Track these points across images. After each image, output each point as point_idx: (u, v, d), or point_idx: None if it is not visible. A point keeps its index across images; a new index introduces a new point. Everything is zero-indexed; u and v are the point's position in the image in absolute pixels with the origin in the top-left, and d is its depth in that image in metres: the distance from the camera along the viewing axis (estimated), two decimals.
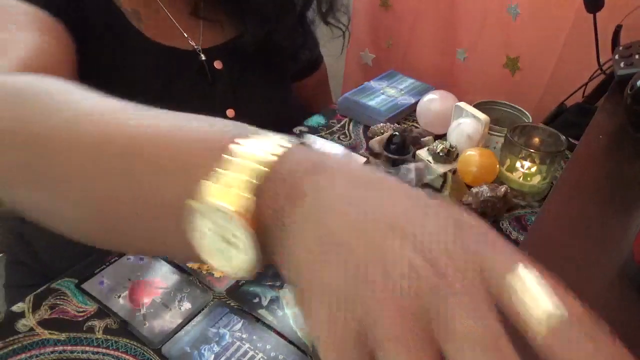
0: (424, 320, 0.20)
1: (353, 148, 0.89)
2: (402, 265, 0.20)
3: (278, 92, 0.87)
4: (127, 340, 0.54)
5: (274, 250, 0.24)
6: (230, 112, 0.78)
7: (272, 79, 0.84)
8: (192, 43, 0.74)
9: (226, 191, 0.24)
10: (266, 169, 0.24)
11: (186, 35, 0.74)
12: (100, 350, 0.53)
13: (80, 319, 0.56)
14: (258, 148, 0.25)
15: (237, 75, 0.79)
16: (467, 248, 0.21)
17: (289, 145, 0.25)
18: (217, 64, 0.77)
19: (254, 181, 0.24)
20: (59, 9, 0.57)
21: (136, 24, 0.68)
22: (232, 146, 0.25)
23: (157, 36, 0.70)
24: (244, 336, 0.55)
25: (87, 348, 0.53)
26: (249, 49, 0.76)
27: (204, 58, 0.75)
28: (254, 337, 0.55)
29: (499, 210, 0.73)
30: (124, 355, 0.52)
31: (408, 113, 1.00)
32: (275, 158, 0.24)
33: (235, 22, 0.77)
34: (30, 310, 0.56)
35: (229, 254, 0.25)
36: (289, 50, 0.83)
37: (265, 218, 0.24)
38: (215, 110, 0.77)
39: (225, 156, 0.24)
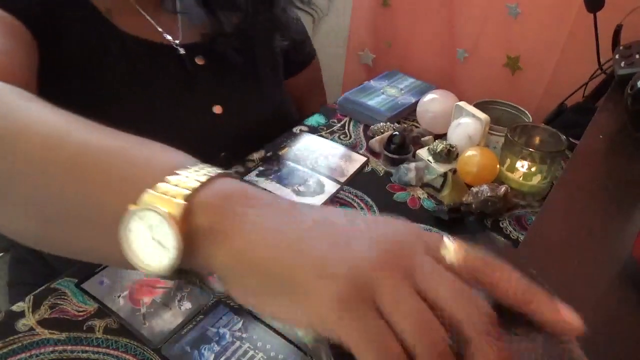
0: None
1: (353, 148, 0.89)
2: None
3: (267, 89, 0.85)
4: (127, 340, 0.54)
5: (197, 255, 0.29)
6: (217, 109, 0.78)
7: (258, 75, 0.83)
8: (169, 38, 0.74)
9: (163, 198, 0.29)
10: (198, 186, 0.29)
11: (161, 30, 0.73)
12: (100, 350, 0.53)
13: (80, 318, 0.56)
14: (195, 175, 0.30)
15: (221, 71, 0.78)
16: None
17: (222, 174, 0.32)
18: (199, 60, 0.76)
19: (188, 192, 0.29)
20: (31, 4, 0.59)
21: (111, 20, 0.69)
22: (175, 171, 0.30)
23: (133, 32, 0.71)
24: (244, 336, 0.55)
25: (87, 348, 0.53)
26: (227, 42, 0.76)
27: (182, 52, 0.74)
28: (254, 336, 0.55)
29: (499, 210, 0.73)
30: (124, 355, 0.52)
31: (408, 112, 1.00)
32: (207, 181, 0.30)
33: (212, 18, 0.76)
34: (30, 310, 0.56)
35: (155, 253, 0.29)
36: (269, 42, 0.82)
37: (195, 226, 0.29)
38: (200, 107, 0.76)
39: (167, 177, 0.30)
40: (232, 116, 0.79)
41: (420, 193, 0.79)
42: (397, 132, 0.83)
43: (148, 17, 0.73)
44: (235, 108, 0.79)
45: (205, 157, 0.79)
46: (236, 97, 0.80)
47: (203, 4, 0.75)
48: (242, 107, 0.80)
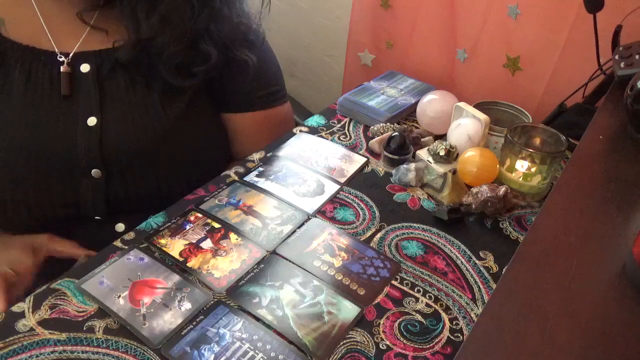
0: None
1: (353, 148, 0.89)
2: None
3: (155, 111, 0.75)
4: (127, 340, 0.54)
5: None
6: (91, 120, 0.71)
7: (156, 93, 0.75)
8: (54, 45, 0.72)
9: None
10: None
11: (50, 37, 0.72)
12: (100, 350, 0.53)
13: (80, 319, 0.56)
14: None
15: (108, 82, 0.73)
16: None
17: None
18: (84, 67, 0.72)
19: None
20: None
21: None
22: None
23: (21, 38, 0.70)
24: (244, 336, 0.55)
25: (87, 348, 0.53)
26: (125, 53, 0.72)
27: (61, 59, 0.71)
28: (254, 337, 0.55)
29: (499, 211, 0.73)
30: (124, 355, 0.52)
31: (408, 113, 1.00)
32: None
33: (123, 30, 0.73)
34: (30, 310, 0.56)
35: None
36: (174, 62, 0.74)
37: None
38: (73, 116, 0.71)
39: None
40: (108, 131, 0.72)
41: (420, 193, 0.79)
42: (397, 133, 0.83)
43: (44, 26, 0.71)
44: (111, 122, 0.72)
45: (74, 170, 0.73)
46: (115, 111, 0.73)
47: (117, 17, 0.73)
48: (119, 122, 0.73)
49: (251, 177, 0.79)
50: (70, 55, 0.72)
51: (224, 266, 0.63)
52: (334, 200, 0.76)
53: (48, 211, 0.73)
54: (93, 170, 0.72)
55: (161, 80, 0.74)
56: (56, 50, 0.72)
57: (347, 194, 0.78)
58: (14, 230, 0.78)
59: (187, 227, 0.69)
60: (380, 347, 0.55)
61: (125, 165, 0.74)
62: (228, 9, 0.78)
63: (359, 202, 0.76)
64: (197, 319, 0.56)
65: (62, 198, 0.73)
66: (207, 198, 0.75)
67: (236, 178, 0.80)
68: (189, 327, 0.55)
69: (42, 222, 0.74)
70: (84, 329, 0.55)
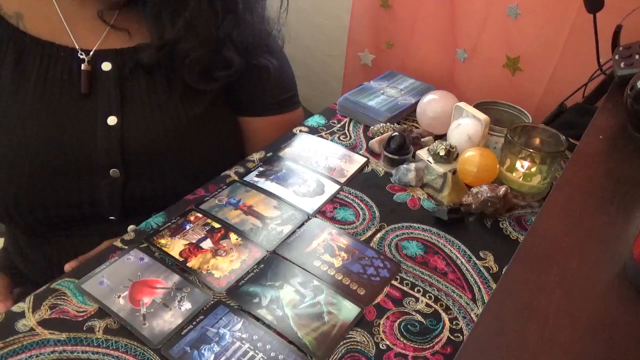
0: None
1: (353, 148, 0.89)
2: None
3: (182, 109, 0.76)
4: (127, 340, 0.54)
5: None
6: (112, 120, 0.71)
7: (177, 94, 0.75)
8: (74, 41, 0.71)
9: None
10: None
11: (70, 34, 0.71)
12: (100, 350, 0.53)
13: (80, 319, 0.56)
14: None
15: (129, 82, 0.73)
16: None
17: None
18: (105, 66, 0.72)
19: None
20: None
21: (14, 23, 0.69)
22: None
23: (40, 33, 0.70)
24: (244, 336, 0.55)
25: (87, 348, 0.53)
26: (148, 56, 0.72)
27: (82, 57, 0.71)
28: (254, 337, 0.55)
29: (499, 211, 0.73)
30: (124, 355, 0.52)
31: (408, 113, 1.00)
32: None
33: (144, 31, 0.74)
34: (30, 310, 0.56)
35: None
36: (197, 67, 0.74)
37: None
38: (93, 114, 0.71)
39: None
40: (128, 130, 0.72)
41: (420, 193, 0.79)
42: (397, 133, 0.83)
43: (64, 23, 0.71)
44: (132, 122, 0.72)
45: (92, 169, 0.73)
46: (135, 111, 0.73)
47: (140, 19, 0.73)
48: (140, 123, 0.73)
49: (251, 177, 0.80)
50: (91, 52, 0.72)
51: (224, 266, 0.63)
52: (334, 200, 0.76)
53: (63, 211, 0.73)
54: (111, 170, 0.72)
55: (182, 82, 0.75)
56: (77, 46, 0.72)
57: (347, 194, 0.78)
58: (27, 230, 0.78)
59: (187, 227, 0.69)
60: (380, 347, 0.55)
61: (143, 166, 0.74)
62: (250, 15, 0.79)
63: (359, 202, 0.76)
64: (197, 319, 0.56)
65: (78, 198, 0.72)
66: (207, 198, 0.75)
67: (236, 178, 0.80)
68: (189, 327, 0.55)
69: (56, 222, 0.74)
70: (84, 329, 0.55)
